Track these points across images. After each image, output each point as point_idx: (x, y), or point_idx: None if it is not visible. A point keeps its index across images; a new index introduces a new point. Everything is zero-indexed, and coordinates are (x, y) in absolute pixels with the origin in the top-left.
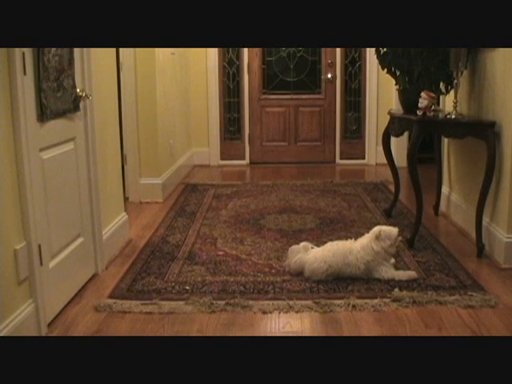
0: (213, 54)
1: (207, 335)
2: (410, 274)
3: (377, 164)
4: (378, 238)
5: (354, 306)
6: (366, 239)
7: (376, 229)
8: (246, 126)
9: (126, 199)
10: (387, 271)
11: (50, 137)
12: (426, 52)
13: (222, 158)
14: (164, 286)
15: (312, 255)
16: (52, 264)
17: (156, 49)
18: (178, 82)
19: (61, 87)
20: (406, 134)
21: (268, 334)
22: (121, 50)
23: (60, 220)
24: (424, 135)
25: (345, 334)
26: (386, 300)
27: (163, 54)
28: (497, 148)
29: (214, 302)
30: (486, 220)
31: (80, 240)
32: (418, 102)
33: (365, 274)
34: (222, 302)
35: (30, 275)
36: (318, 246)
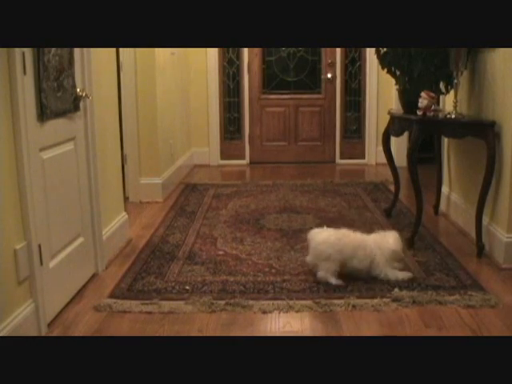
0: (213, 54)
1: (207, 335)
2: (407, 274)
3: (377, 164)
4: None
5: (353, 306)
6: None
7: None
8: (245, 126)
9: (126, 199)
10: (387, 272)
11: (50, 137)
12: (426, 52)
13: (221, 158)
14: (164, 286)
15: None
16: (52, 264)
17: (156, 49)
18: (178, 82)
19: (61, 87)
20: (406, 133)
21: (268, 334)
22: (121, 49)
23: (60, 220)
24: (424, 135)
25: (345, 334)
26: (386, 300)
27: (163, 54)
28: (497, 148)
29: (214, 301)
30: (485, 220)
31: (80, 240)
32: (417, 101)
33: (366, 271)
34: (222, 302)
35: (30, 275)
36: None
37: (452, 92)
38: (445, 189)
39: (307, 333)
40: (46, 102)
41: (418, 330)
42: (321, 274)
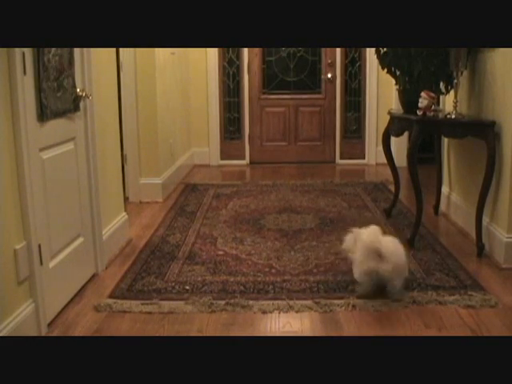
0: (213, 54)
1: (207, 335)
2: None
3: (377, 164)
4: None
5: (353, 306)
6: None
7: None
8: (245, 126)
9: (126, 199)
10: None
11: (50, 137)
12: (426, 52)
13: (221, 158)
14: (164, 286)
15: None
16: (52, 264)
17: (156, 49)
18: (178, 82)
19: (61, 87)
20: (406, 133)
21: (268, 334)
22: (121, 49)
23: (60, 220)
24: (424, 135)
25: (345, 334)
26: (386, 300)
27: (163, 54)
28: (497, 148)
29: (214, 301)
30: (485, 220)
31: (80, 240)
32: (417, 101)
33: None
34: (222, 302)
35: (30, 275)
36: (318, 245)
37: (452, 92)
38: (445, 189)
39: (307, 333)
40: (46, 102)
41: (418, 330)
42: (396, 286)
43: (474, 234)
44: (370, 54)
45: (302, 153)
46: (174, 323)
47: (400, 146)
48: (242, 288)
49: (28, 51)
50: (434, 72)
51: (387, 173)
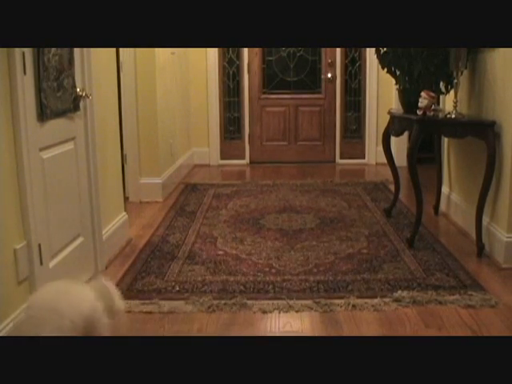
0: (213, 54)
1: (207, 335)
2: None
3: (377, 164)
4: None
5: (353, 306)
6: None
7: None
8: (246, 126)
9: (126, 199)
10: None
11: (50, 136)
12: (426, 52)
13: (221, 158)
14: (164, 286)
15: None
16: (52, 264)
17: (156, 49)
18: (178, 82)
19: (61, 87)
20: (406, 133)
21: (268, 334)
22: (121, 50)
23: (60, 220)
24: (424, 135)
25: (345, 334)
26: (386, 300)
27: (163, 54)
28: (497, 148)
29: (214, 301)
30: (485, 220)
31: (80, 240)
32: (417, 101)
33: None
34: (222, 302)
35: (29, 275)
36: (318, 245)
37: (452, 92)
38: (445, 189)
39: (307, 333)
40: (46, 102)
41: (418, 330)
42: None
43: (474, 234)
44: (370, 54)
45: (302, 153)
46: (174, 323)
47: (400, 145)
48: (241, 288)
49: (28, 51)
50: (434, 72)
51: (387, 173)
